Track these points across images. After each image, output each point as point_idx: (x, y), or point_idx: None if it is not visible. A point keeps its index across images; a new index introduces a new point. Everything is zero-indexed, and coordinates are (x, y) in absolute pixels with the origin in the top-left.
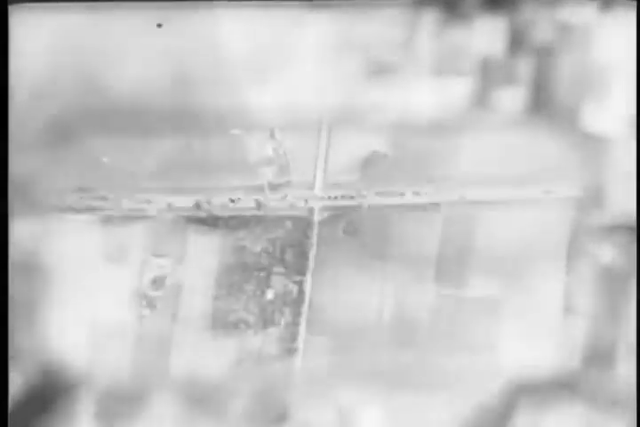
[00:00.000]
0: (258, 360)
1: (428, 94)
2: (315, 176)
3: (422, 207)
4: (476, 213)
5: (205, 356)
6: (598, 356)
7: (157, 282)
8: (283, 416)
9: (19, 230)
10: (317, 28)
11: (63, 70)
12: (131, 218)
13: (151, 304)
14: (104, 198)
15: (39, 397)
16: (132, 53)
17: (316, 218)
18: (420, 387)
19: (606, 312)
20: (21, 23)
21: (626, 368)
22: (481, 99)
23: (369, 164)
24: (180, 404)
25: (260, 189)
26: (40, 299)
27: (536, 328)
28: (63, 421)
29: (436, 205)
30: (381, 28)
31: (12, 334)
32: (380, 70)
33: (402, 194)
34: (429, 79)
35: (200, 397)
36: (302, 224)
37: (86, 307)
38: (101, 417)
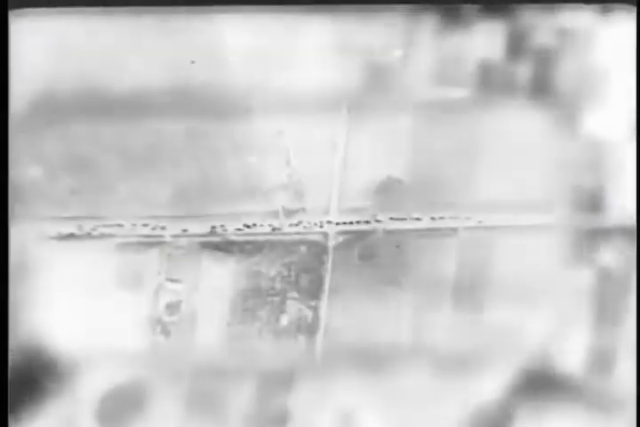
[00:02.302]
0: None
1: (428, 100)
2: (329, 201)
3: (439, 232)
4: (493, 239)
5: (219, 381)
6: (599, 358)
7: (172, 307)
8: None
9: (31, 257)
10: (316, 34)
11: (64, 75)
12: (146, 244)
13: (165, 330)
14: (120, 225)
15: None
16: (133, 59)
17: (331, 243)
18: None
19: (606, 315)
20: (21, 28)
21: (626, 371)
22: (481, 104)
23: (384, 189)
24: (181, 404)
25: (275, 214)
26: (49, 324)
27: (542, 336)
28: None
29: (452, 231)
30: (380, 35)
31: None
32: (380, 76)
33: (418, 219)
34: (429, 85)
35: (202, 397)
36: (317, 249)
37: (101, 333)
38: (102, 416)
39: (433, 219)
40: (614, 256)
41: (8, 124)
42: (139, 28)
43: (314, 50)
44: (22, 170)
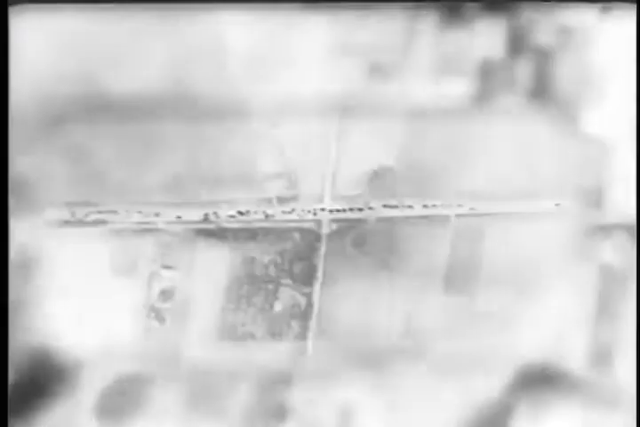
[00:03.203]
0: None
1: (428, 98)
2: (323, 189)
3: (431, 220)
4: (485, 226)
5: (212, 367)
6: (599, 354)
7: (166, 294)
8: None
9: (24, 243)
10: (317, 30)
11: (64, 72)
12: (140, 231)
13: (159, 317)
14: (113, 212)
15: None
16: (134, 55)
17: (324, 230)
18: (428, 398)
19: (606, 311)
20: (22, 24)
21: (626, 367)
22: (481, 102)
23: (377, 177)
24: (180, 402)
25: (268, 201)
26: (46, 312)
27: (541, 332)
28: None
29: (445, 218)
30: (381, 31)
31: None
32: (379, 73)
33: (410, 206)
34: (429, 82)
35: (197, 385)
36: (310, 236)
37: (94, 319)
38: (101, 414)
39: (425, 206)
40: (614, 253)
41: (8, 121)
42: (139, 24)
43: (312, 46)
44: (19, 161)
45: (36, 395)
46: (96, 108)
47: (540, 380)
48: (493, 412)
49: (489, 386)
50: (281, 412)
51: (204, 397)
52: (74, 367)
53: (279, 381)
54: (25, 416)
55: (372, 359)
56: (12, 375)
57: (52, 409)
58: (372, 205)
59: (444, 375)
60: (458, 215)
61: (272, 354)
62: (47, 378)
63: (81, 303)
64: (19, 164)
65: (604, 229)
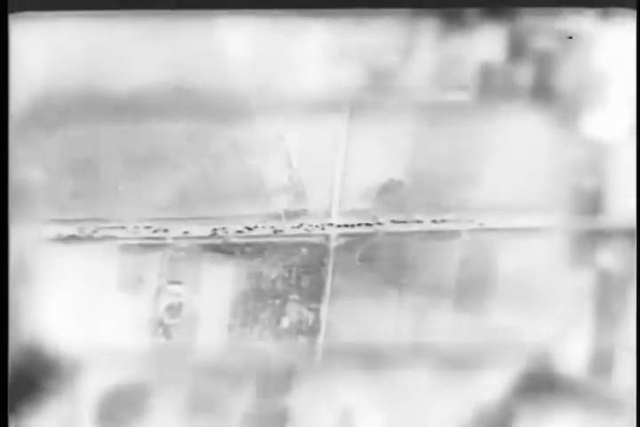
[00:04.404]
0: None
1: (429, 104)
2: (331, 203)
3: (440, 235)
4: (495, 241)
5: (220, 383)
6: (599, 359)
7: (173, 310)
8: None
9: (32, 259)
10: (317, 37)
11: (63, 78)
12: (147, 246)
13: (167, 332)
14: (121, 227)
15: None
16: (133, 63)
17: (332, 245)
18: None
19: (607, 316)
20: (22, 31)
21: (626, 372)
22: (482, 107)
23: (385, 191)
24: (181, 406)
25: (276, 216)
26: (53, 326)
27: (543, 338)
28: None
29: (454, 233)
30: (381, 38)
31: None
32: (381, 79)
33: (419, 221)
34: (430, 88)
35: (203, 399)
36: (318, 251)
37: (102, 334)
38: (102, 419)
39: (434, 221)
40: (615, 258)
41: (8, 127)
42: (139, 32)
43: (315, 53)
44: (23, 172)
45: (38, 401)
46: (96, 114)
47: (541, 384)
48: (496, 416)
49: (491, 391)
50: (282, 418)
51: (206, 401)
52: (77, 375)
53: (282, 387)
54: (25, 419)
55: (379, 371)
56: (12, 383)
57: (53, 414)
58: (380, 219)
59: (446, 381)
60: (467, 230)
61: (276, 362)
62: (49, 386)
63: (87, 318)
64: (23, 177)
65: (605, 234)
